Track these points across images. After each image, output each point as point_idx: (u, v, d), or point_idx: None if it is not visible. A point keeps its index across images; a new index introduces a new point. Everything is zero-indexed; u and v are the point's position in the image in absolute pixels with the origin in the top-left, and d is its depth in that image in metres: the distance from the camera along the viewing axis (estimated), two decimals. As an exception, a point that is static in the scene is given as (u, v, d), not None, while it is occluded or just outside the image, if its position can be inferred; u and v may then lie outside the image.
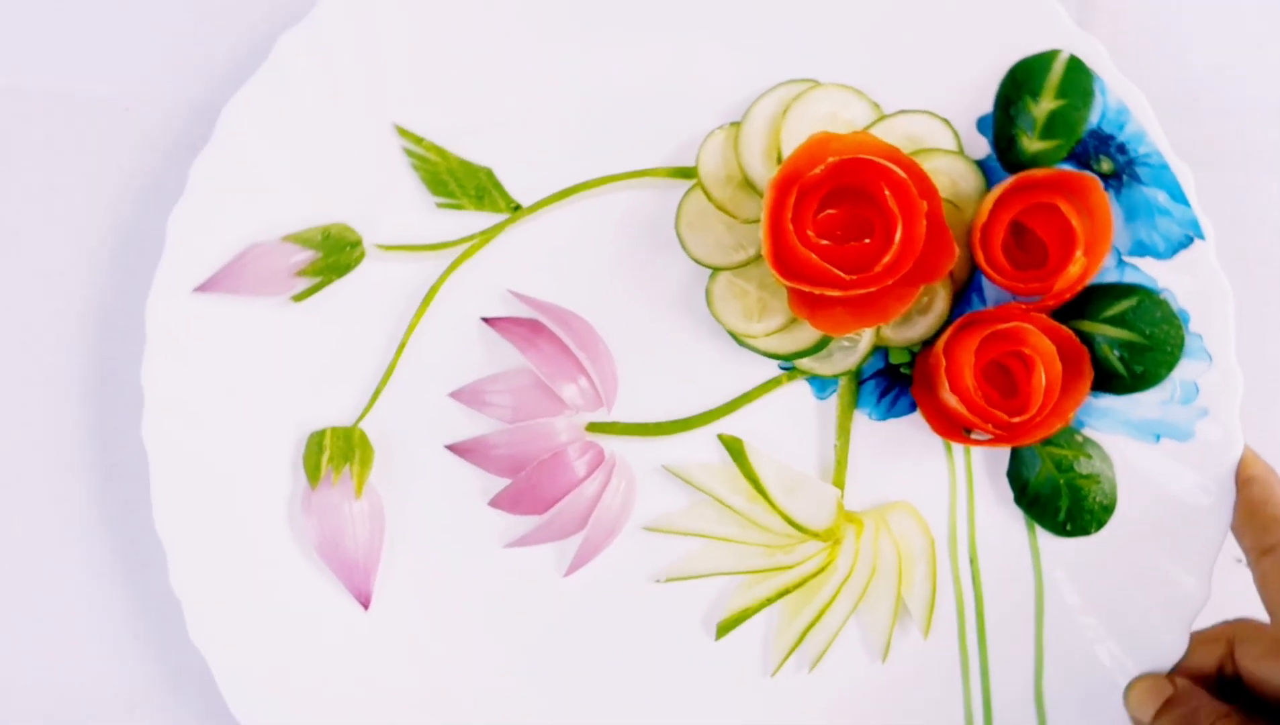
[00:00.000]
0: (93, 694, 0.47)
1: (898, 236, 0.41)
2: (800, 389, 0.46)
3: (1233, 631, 0.42)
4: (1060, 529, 0.44)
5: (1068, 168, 0.43)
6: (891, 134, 0.44)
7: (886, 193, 0.42)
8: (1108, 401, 0.44)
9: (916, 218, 0.42)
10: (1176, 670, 0.43)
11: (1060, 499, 0.44)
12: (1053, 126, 0.43)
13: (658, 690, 0.45)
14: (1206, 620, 0.43)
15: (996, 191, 0.43)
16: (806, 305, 0.43)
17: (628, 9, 0.45)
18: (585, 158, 0.45)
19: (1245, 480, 0.42)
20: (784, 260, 0.42)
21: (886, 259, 0.42)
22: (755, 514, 0.45)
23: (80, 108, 0.48)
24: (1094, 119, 0.43)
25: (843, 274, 0.42)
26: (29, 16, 0.48)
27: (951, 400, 0.43)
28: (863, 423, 0.46)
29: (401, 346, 0.45)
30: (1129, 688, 0.43)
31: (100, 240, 0.48)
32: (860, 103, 0.45)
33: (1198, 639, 0.43)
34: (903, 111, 0.45)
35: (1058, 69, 0.43)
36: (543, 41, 0.45)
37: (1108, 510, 0.44)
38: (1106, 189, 0.43)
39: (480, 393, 0.45)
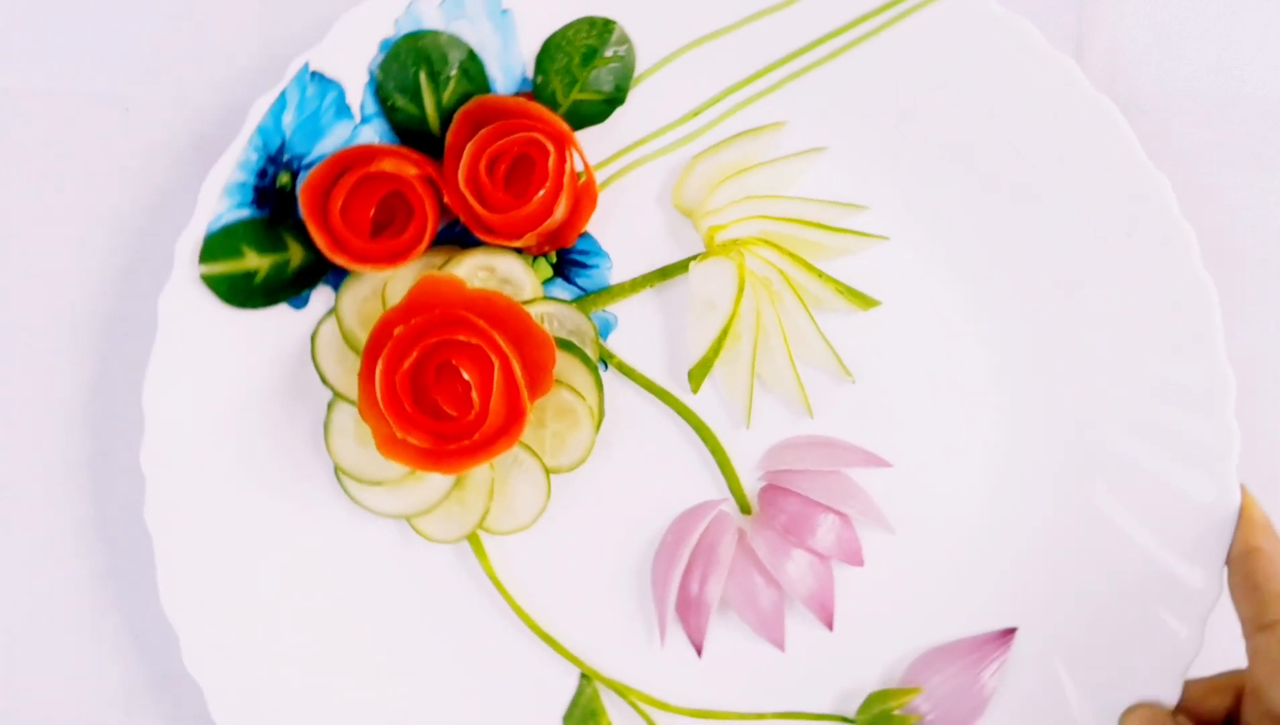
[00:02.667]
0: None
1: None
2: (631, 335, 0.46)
3: (1242, 682, 0.41)
4: (620, 99, 0.45)
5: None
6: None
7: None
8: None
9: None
10: (1181, 709, 0.42)
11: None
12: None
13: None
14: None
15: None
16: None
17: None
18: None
19: (1250, 551, 0.41)
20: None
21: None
22: (747, 325, 0.45)
23: (80, 108, 0.48)
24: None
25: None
26: (29, 17, 0.48)
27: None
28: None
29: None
30: (1127, 711, 0.42)
31: (100, 242, 0.48)
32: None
33: (1210, 685, 0.42)
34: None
35: None
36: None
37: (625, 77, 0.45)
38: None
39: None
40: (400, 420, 0.42)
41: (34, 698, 0.48)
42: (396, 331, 0.42)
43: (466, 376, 0.42)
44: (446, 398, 0.43)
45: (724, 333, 0.45)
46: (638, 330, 0.46)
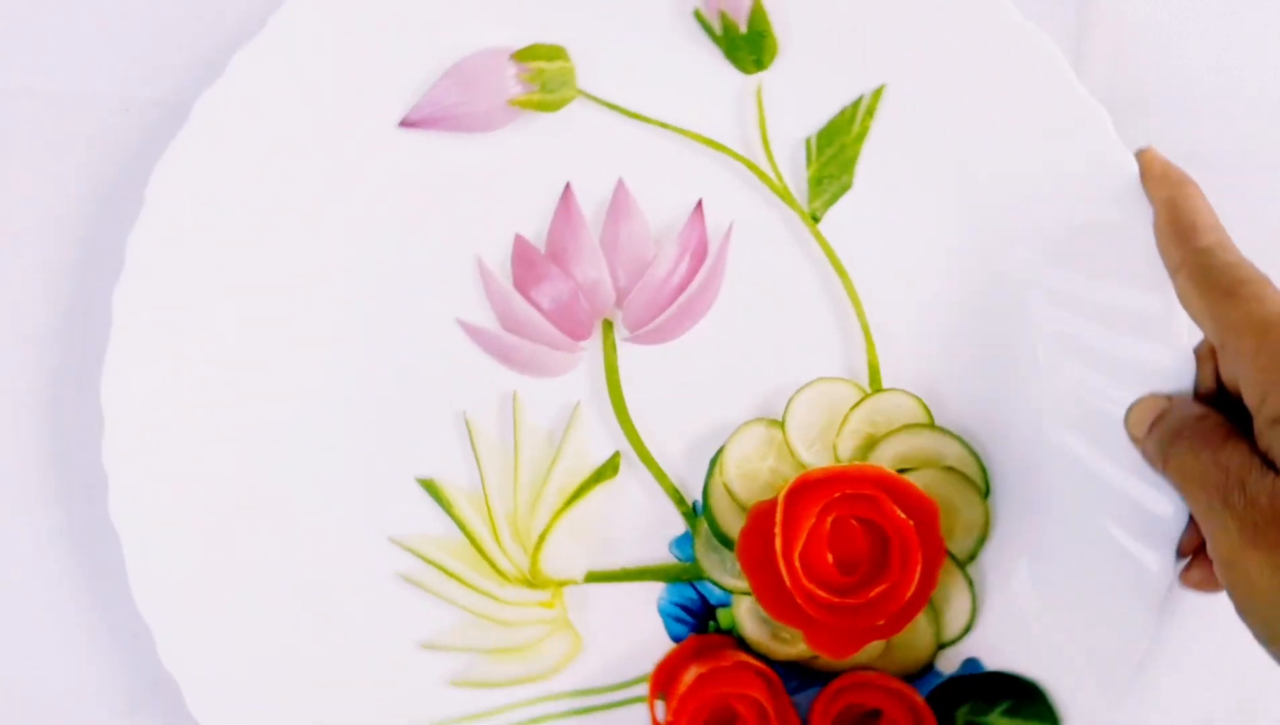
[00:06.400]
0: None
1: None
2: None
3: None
4: None
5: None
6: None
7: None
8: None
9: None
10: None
11: None
12: None
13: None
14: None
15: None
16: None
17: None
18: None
19: (1160, 202, 0.42)
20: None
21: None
22: None
23: (80, 108, 0.48)
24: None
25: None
26: (28, 17, 0.48)
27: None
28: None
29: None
30: (1129, 410, 0.43)
31: (100, 242, 0.48)
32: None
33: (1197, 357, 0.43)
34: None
35: None
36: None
37: None
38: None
39: None
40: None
41: (34, 699, 0.48)
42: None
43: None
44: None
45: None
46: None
